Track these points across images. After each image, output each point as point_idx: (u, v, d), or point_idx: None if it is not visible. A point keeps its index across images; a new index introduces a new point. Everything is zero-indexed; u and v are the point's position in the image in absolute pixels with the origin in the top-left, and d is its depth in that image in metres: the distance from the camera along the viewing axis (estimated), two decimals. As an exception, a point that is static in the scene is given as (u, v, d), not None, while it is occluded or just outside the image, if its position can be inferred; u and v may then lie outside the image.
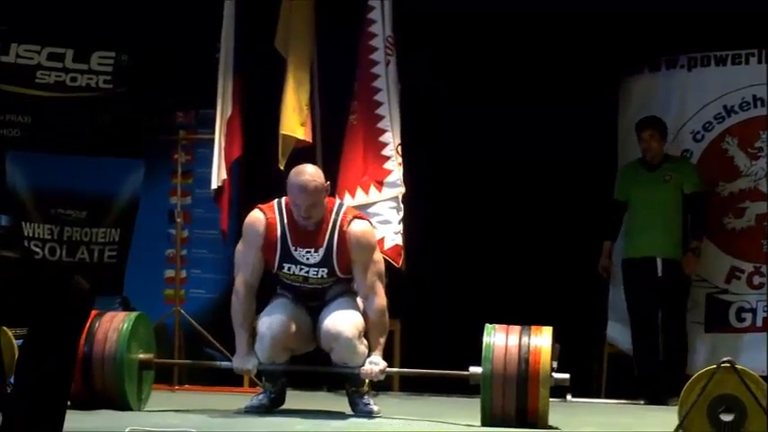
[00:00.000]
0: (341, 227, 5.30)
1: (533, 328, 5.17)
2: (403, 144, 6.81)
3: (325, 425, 5.19)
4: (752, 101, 7.23)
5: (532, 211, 7.50)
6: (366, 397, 5.46)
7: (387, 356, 6.32)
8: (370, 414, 5.38)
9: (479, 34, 7.45)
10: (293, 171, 5.35)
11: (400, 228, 6.75)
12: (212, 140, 6.90)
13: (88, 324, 5.28)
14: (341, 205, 5.45)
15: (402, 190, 6.75)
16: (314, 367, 5.66)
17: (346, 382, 5.51)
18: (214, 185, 6.86)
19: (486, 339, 5.12)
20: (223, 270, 7.54)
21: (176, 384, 6.83)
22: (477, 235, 7.50)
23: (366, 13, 6.87)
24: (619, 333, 7.20)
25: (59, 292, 3.34)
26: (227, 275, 7.54)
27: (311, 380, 6.78)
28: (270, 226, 5.32)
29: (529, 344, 5.09)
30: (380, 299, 5.38)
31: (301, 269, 5.34)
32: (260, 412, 5.40)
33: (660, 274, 6.93)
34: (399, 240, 6.71)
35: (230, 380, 6.98)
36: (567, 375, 5.18)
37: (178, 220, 7.19)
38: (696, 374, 4.26)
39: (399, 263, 6.67)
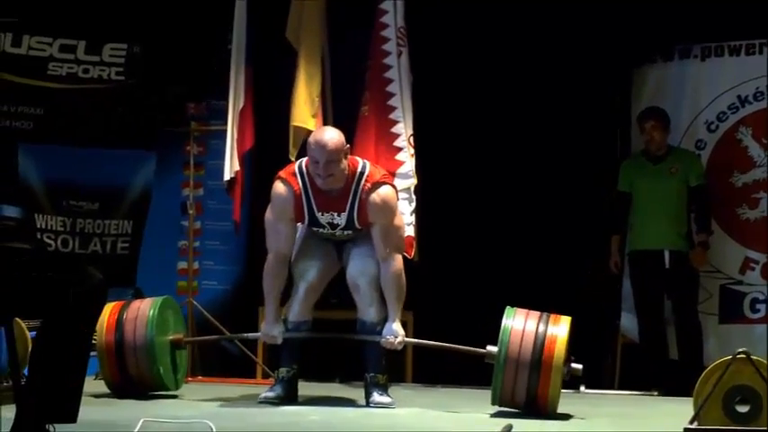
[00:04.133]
0: (362, 193, 5.38)
1: (553, 316, 5.22)
2: (415, 135, 6.80)
3: (339, 415, 5.20)
4: (766, 91, 7.19)
5: (546, 202, 7.47)
6: (381, 388, 5.47)
7: (400, 350, 6.35)
8: (384, 405, 5.39)
9: (491, 24, 7.42)
10: (314, 131, 5.55)
11: (413, 219, 6.73)
12: (224, 132, 6.89)
13: (116, 314, 5.42)
14: (364, 168, 5.46)
15: (414, 181, 6.73)
16: (338, 334, 5.73)
17: (364, 369, 5.54)
18: (226, 177, 6.85)
19: (504, 321, 5.19)
20: (236, 261, 7.56)
21: (189, 375, 6.82)
22: (491, 227, 7.48)
23: (378, 4, 6.85)
24: (632, 324, 7.18)
25: (73, 283, 3.34)
26: (239, 267, 7.56)
27: (324, 371, 6.79)
28: (296, 197, 5.41)
29: (546, 332, 5.13)
30: (398, 263, 5.46)
31: (328, 230, 5.49)
32: (274, 404, 5.41)
33: (668, 266, 6.92)
34: (412, 232, 6.70)
35: (243, 371, 6.99)
36: (580, 366, 5.20)
37: (190, 211, 7.20)
38: (711, 366, 4.24)
39: (412, 254, 6.65)
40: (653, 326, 6.96)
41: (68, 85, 7.28)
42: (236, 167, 6.84)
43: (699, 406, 4.10)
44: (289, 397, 5.51)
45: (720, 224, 7.15)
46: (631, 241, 7.10)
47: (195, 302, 6.93)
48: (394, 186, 5.60)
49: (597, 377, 7.11)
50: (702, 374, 4.21)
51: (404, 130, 6.75)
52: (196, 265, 7.41)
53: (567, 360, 5.17)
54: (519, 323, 5.19)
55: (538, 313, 5.26)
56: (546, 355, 5.08)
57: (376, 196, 5.38)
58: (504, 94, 7.49)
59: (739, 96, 7.28)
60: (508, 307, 5.27)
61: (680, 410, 4.58)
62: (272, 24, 7.06)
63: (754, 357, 4.18)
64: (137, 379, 5.58)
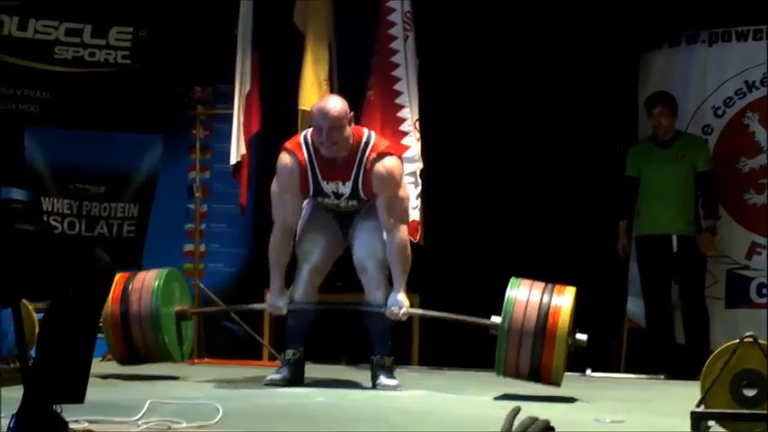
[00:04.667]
0: (366, 163, 5.37)
1: (557, 286, 5.24)
2: (421, 119, 6.79)
3: (345, 397, 5.20)
4: (773, 76, 7.20)
5: (551, 187, 7.47)
6: (387, 370, 5.48)
7: (406, 331, 6.35)
8: (390, 387, 5.40)
9: (498, 8, 7.41)
10: (318, 100, 5.56)
11: (418, 203, 6.75)
12: (230, 116, 6.91)
13: (122, 285, 5.44)
14: (369, 139, 5.45)
15: (420, 165, 6.74)
16: (343, 306, 5.78)
17: (371, 352, 5.54)
18: (233, 161, 6.87)
19: (508, 292, 5.20)
20: (242, 244, 7.56)
21: (196, 358, 6.84)
22: (497, 212, 7.48)
23: (384, -12, 6.85)
24: (638, 308, 7.18)
25: (81, 265, 3.34)
26: (245, 249, 7.57)
27: (330, 353, 6.80)
28: (301, 167, 5.41)
29: (550, 302, 5.15)
30: (403, 234, 5.46)
31: (333, 200, 5.49)
32: (280, 386, 5.42)
33: (675, 250, 6.92)
34: (417, 216, 6.71)
35: (250, 354, 7.00)
36: (584, 336, 5.20)
37: (197, 194, 7.21)
38: (718, 349, 4.23)
39: (417, 238, 6.67)
40: (660, 310, 6.96)
41: (75, 68, 7.28)
42: (243, 151, 6.85)
43: (706, 389, 4.09)
44: (295, 379, 5.51)
45: (727, 209, 7.15)
46: (639, 226, 7.09)
47: (201, 285, 6.93)
48: (399, 157, 5.60)
49: (603, 361, 7.12)
50: (709, 358, 4.19)
51: (410, 115, 6.75)
52: (202, 248, 7.44)
53: (572, 330, 5.17)
54: (523, 294, 5.20)
55: (542, 284, 5.26)
56: (550, 325, 5.09)
57: (381, 167, 5.37)
58: (511, 79, 7.48)
59: (746, 82, 7.27)
60: (513, 278, 5.28)
61: (686, 394, 4.57)
62: (278, 8, 7.06)
63: (762, 341, 4.17)
64: (142, 350, 5.58)
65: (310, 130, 5.46)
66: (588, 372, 6.86)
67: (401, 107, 6.76)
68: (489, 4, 7.43)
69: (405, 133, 6.71)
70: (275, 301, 5.55)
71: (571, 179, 7.43)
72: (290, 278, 5.62)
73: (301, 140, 5.46)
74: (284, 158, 5.45)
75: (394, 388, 5.41)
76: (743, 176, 7.19)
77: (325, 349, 6.59)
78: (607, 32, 7.36)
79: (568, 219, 7.38)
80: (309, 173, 5.42)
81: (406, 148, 6.68)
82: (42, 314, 3.56)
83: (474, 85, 7.53)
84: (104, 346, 6.31)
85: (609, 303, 7.25)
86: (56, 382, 3.32)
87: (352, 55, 7.11)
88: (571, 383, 5.26)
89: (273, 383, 5.45)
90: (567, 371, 6.27)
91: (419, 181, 6.74)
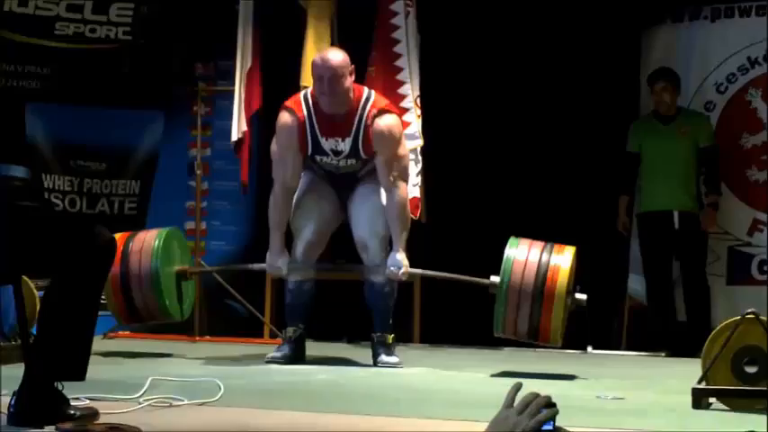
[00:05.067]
0: (366, 119, 5.35)
1: (557, 246, 5.21)
2: (422, 96, 6.78)
3: (346, 374, 5.21)
4: (776, 53, 7.17)
5: (553, 165, 7.45)
6: (388, 348, 5.47)
7: (406, 309, 6.34)
8: (391, 365, 5.40)
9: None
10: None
11: (419, 180, 6.73)
12: (232, 92, 6.88)
13: (122, 245, 5.43)
14: (369, 96, 5.44)
15: (420, 142, 6.73)
16: (343, 270, 5.79)
17: (371, 329, 5.54)
18: (234, 138, 6.85)
19: (507, 251, 5.17)
20: (243, 222, 7.55)
21: (197, 335, 6.85)
22: (498, 189, 7.47)
23: (386, -36, 6.82)
24: (640, 285, 7.18)
25: (84, 241, 3.34)
26: (247, 227, 7.56)
27: (331, 331, 6.80)
28: (300, 124, 5.38)
29: (549, 261, 5.11)
30: (402, 193, 5.44)
31: (332, 159, 5.43)
32: (281, 363, 5.42)
33: (677, 227, 6.91)
34: (417, 193, 6.70)
35: (250, 331, 7.01)
36: (584, 296, 5.18)
37: (198, 172, 7.20)
38: (720, 326, 4.23)
39: (417, 215, 6.66)
40: (661, 287, 6.96)
41: (75, 44, 7.26)
42: (244, 128, 6.83)
43: (707, 366, 4.10)
44: (296, 357, 5.51)
45: (729, 186, 7.13)
46: (640, 202, 7.08)
47: (203, 262, 6.93)
48: (399, 115, 5.59)
49: (605, 338, 7.12)
50: (711, 335, 4.20)
51: (410, 91, 6.74)
52: (203, 226, 7.42)
53: (572, 290, 5.15)
54: (522, 252, 5.17)
55: (542, 243, 5.23)
56: (548, 284, 5.05)
57: (381, 123, 5.34)
58: (512, 55, 7.46)
59: (749, 58, 7.25)
60: (512, 237, 5.26)
61: (688, 371, 4.58)
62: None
63: (763, 318, 4.17)
64: (142, 310, 5.57)
65: (310, 88, 5.44)
66: (589, 349, 6.86)
67: (402, 83, 6.74)
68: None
69: (405, 110, 6.68)
70: (274, 261, 5.52)
71: (572, 156, 7.41)
72: (289, 241, 5.60)
73: (301, 98, 5.45)
74: (283, 116, 5.43)
75: (395, 365, 5.41)
76: (745, 153, 7.18)
77: (326, 327, 6.59)
78: (609, 8, 7.34)
79: (569, 195, 7.36)
80: (308, 129, 5.38)
81: (407, 124, 6.65)
82: (43, 292, 3.56)
83: (475, 61, 7.51)
84: (106, 324, 6.34)
85: (610, 281, 7.24)
86: (57, 359, 3.32)
87: (353, 31, 7.08)
88: (572, 360, 5.27)
89: (274, 361, 5.45)
90: (569, 348, 6.31)
91: (420, 158, 6.73)
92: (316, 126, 5.38)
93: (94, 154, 7.30)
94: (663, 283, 6.96)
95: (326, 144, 5.41)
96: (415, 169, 6.65)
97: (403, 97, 6.71)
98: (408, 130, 6.61)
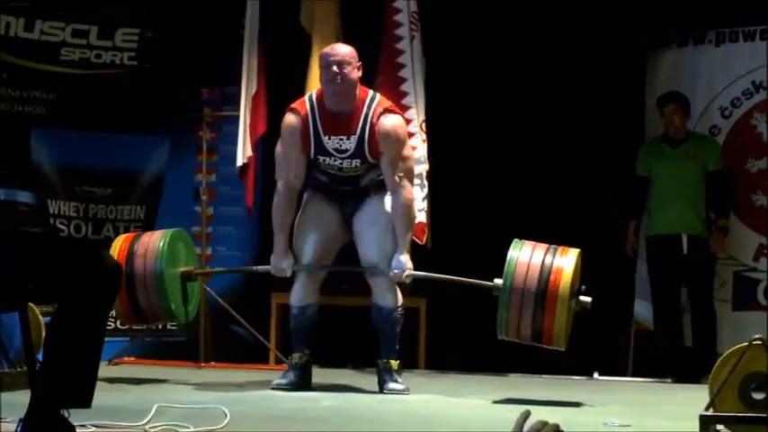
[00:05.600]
0: (372, 118, 5.34)
1: (561, 248, 5.17)
2: (427, 120, 6.78)
3: (352, 401, 5.20)
4: (781, 76, 7.18)
5: (558, 189, 7.45)
6: (394, 374, 5.46)
7: (412, 335, 6.32)
8: (397, 391, 5.38)
9: (505, 7, 7.39)
10: None
11: (425, 205, 6.73)
12: (237, 117, 6.89)
13: (127, 246, 5.41)
14: (374, 96, 5.45)
15: (426, 167, 6.73)
16: (347, 267, 5.70)
17: (377, 355, 5.51)
18: (239, 162, 6.85)
19: (510, 253, 5.14)
20: (248, 247, 7.54)
21: (203, 361, 6.83)
22: (504, 214, 7.46)
23: (391, -12, 6.84)
24: (646, 310, 7.16)
25: (89, 268, 3.33)
26: (252, 252, 7.55)
27: (336, 358, 6.79)
28: (303, 122, 5.38)
29: (552, 263, 5.06)
30: (407, 194, 5.42)
31: (335, 160, 5.40)
32: (287, 390, 5.41)
33: (686, 251, 6.90)
34: (423, 218, 6.70)
35: (256, 357, 6.99)
36: (588, 299, 5.13)
37: (203, 197, 7.20)
38: (727, 352, 4.21)
39: (423, 240, 6.66)
40: (669, 312, 6.93)
41: (81, 70, 7.27)
42: (249, 153, 6.83)
43: (714, 393, 4.08)
44: (302, 383, 5.49)
45: (734, 211, 7.12)
46: (649, 226, 7.07)
47: (208, 288, 6.92)
48: (403, 116, 5.59)
49: (611, 363, 7.10)
50: (718, 361, 4.18)
51: (416, 116, 6.75)
52: (209, 251, 7.41)
53: (576, 292, 5.10)
54: (525, 255, 5.13)
55: (545, 245, 5.19)
56: (551, 286, 5.00)
57: (387, 122, 5.34)
58: (518, 79, 7.47)
59: (753, 82, 7.26)
60: (516, 239, 5.23)
61: (695, 397, 4.57)
62: (285, 9, 7.05)
63: (770, 344, 4.15)
64: (147, 311, 5.54)
65: (316, 90, 5.46)
66: (596, 375, 6.84)
67: (407, 108, 6.74)
68: (496, 3, 7.42)
69: (411, 134, 6.69)
70: (279, 263, 5.50)
71: (577, 179, 7.41)
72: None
73: (306, 98, 5.48)
74: (287, 117, 5.45)
75: (401, 392, 5.39)
76: (750, 177, 7.17)
77: (331, 353, 6.57)
78: (615, 31, 7.35)
79: (574, 219, 7.35)
80: (311, 127, 5.36)
81: (413, 149, 6.67)
82: (49, 318, 3.56)
83: (480, 84, 7.51)
84: (111, 350, 6.33)
85: (615, 305, 7.22)
86: (63, 386, 3.31)
87: (358, 55, 7.08)
88: (578, 387, 5.25)
89: (280, 387, 5.44)
90: (574, 374, 6.29)
91: (425, 183, 6.72)
92: (319, 124, 5.37)
93: (100, 179, 7.30)
94: (670, 308, 6.94)
95: (329, 143, 5.38)
96: (420, 194, 6.64)
97: (408, 122, 6.70)
98: (414, 155, 6.62)
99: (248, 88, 6.90)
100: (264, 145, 7.00)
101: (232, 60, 7.05)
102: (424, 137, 6.75)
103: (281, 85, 7.12)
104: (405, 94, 6.76)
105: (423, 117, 6.79)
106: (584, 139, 7.41)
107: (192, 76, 7.51)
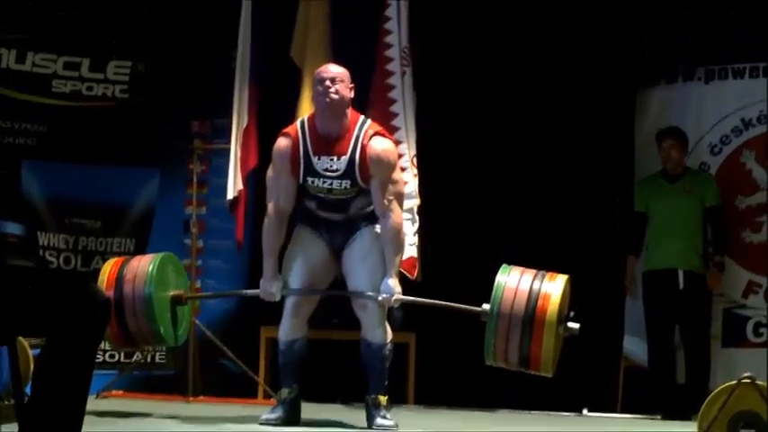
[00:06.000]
0: (363, 140, 5.35)
1: (549, 273, 5.15)
2: (418, 155, 6.79)
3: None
4: (769, 114, 7.20)
5: (547, 224, 7.46)
6: (382, 410, 5.43)
7: (401, 369, 6.29)
8: (385, 428, 5.36)
9: (495, 44, 7.43)
10: None
11: (415, 240, 6.72)
12: (228, 150, 6.89)
13: (117, 270, 5.39)
14: (365, 120, 5.47)
15: (417, 202, 6.72)
16: (336, 291, 5.65)
17: (366, 391, 5.48)
18: (230, 196, 6.84)
19: (498, 278, 5.12)
20: (238, 280, 7.51)
21: (191, 395, 6.80)
22: (495, 249, 7.45)
23: (382, 24, 6.86)
24: (635, 346, 7.15)
25: (78, 301, 3.32)
26: (241, 286, 7.52)
27: (325, 392, 6.76)
28: (293, 144, 5.38)
29: (540, 288, 5.04)
30: (397, 218, 5.41)
31: (324, 182, 5.38)
32: (275, 425, 5.38)
33: (681, 286, 6.88)
34: (414, 252, 6.68)
35: (245, 391, 6.96)
36: (576, 325, 5.12)
37: (193, 230, 7.17)
38: (716, 390, 4.22)
39: (414, 275, 6.64)
40: (663, 348, 6.91)
41: (72, 102, 7.28)
42: (240, 186, 6.83)
43: (703, 430, 4.08)
44: (290, 419, 5.46)
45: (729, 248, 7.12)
46: (646, 261, 7.06)
47: (197, 321, 6.90)
48: (393, 141, 5.61)
49: (600, 400, 7.09)
50: (707, 399, 4.18)
51: (407, 151, 6.74)
52: (198, 284, 7.39)
53: (565, 318, 5.08)
54: (513, 280, 5.11)
55: (534, 271, 5.17)
56: (539, 311, 4.98)
57: (377, 145, 5.35)
58: (508, 115, 7.49)
59: (743, 119, 7.28)
60: (504, 264, 5.22)
61: (684, 435, 4.56)
62: (276, 42, 7.07)
63: (760, 382, 4.16)
64: (136, 335, 5.49)
65: (308, 114, 5.49)
66: (585, 411, 6.83)
67: (398, 142, 6.74)
68: (487, 39, 7.45)
69: (402, 169, 6.69)
70: (268, 287, 5.48)
71: (567, 216, 7.41)
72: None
73: (297, 122, 5.50)
74: (278, 141, 5.46)
75: (390, 428, 5.36)
76: (740, 215, 7.19)
77: (320, 388, 6.54)
78: (604, 68, 7.38)
79: (563, 256, 7.34)
80: (301, 148, 5.36)
81: (404, 183, 6.67)
82: (38, 350, 3.54)
83: (471, 118, 7.53)
84: (100, 383, 6.31)
85: (605, 341, 7.21)
86: (51, 419, 3.29)
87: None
88: (568, 423, 5.24)
89: (269, 423, 5.40)
90: (564, 410, 6.28)
91: (416, 218, 6.72)
92: (309, 144, 5.37)
93: (90, 211, 7.29)
94: (665, 344, 6.92)
95: (319, 163, 5.37)
96: (411, 229, 6.63)
97: (400, 156, 6.72)
98: (405, 190, 6.62)
99: (239, 121, 6.90)
100: (255, 178, 6.99)
101: (223, 93, 7.06)
102: (415, 171, 6.75)
103: (272, 119, 7.12)
104: (396, 129, 6.76)
105: (413, 152, 6.79)
106: (573, 176, 7.42)
107: (182, 109, 7.52)
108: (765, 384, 4.20)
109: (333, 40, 7.05)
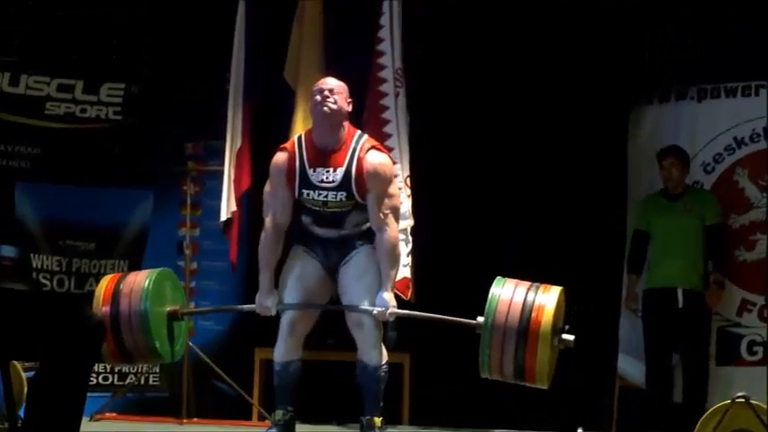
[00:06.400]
0: (359, 153, 5.34)
1: (543, 285, 5.14)
2: (412, 176, 6.80)
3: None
4: (762, 133, 7.19)
5: (541, 243, 7.46)
6: (377, 430, 5.42)
7: (396, 389, 6.28)
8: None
9: (488, 64, 7.45)
10: None
11: (409, 260, 6.72)
12: (221, 172, 6.90)
13: (113, 286, 5.37)
14: (362, 134, 5.47)
15: (411, 222, 6.73)
16: (332, 306, 5.62)
17: (360, 412, 5.47)
18: (223, 217, 6.85)
19: (492, 290, 5.11)
20: (232, 302, 7.50)
21: (185, 417, 6.78)
22: (488, 271, 7.44)
23: (375, 45, 6.88)
24: (630, 366, 7.14)
25: (71, 324, 3.33)
26: (235, 307, 7.54)
27: (320, 414, 6.75)
28: (290, 158, 5.38)
29: (534, 300, 5.03)
30: (392, 232, 5.40)
31: (320, 194, 5.36)
32: (270, 447, 5.37)
33: (681, 305, 6.87)
34: (408, 273, 6.68)
35: (239, 413, 6.95)
36: (571, 337, 5.11)
37: (187, 251, 7.17)
38: (711, 409, 4.24)
39: (408, 295, 6.64)
40: (662, 367, 6.90)
41: (66, 124, 7.29)
42: (233, 208, 6.84)
43: (698, 450, 4.08)
44: (285, 441, 5.46)
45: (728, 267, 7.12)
46: (646, 280, 7.06)
47: (191, 343, 6.88)
48: (390, 156, 5.62)
49: (595, 420, 7.07)
50: (702, 418, 4.19)
51: (401, 171, 6.75)
52: (193, 306, 7.35)
53: (559, 330, 5.07)
54: (507, 292, 5.10)
55: (528, 283, 5.17)
56: (533, 323, 4.96)
57: (374, 158, 5.34)
58: (502, 134, 7.50)
59: (735, 138, 7.29)
60: (498, 277, 5.22)
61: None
62: (270, 63, 7.08)
63: (754, 401, 4.16)
64: (133, 351, 5.46)
65: (306, 130, 5.50)
66: (580, 431, 6.80)
67: (393, 163, 6.74)
68: (481, 60, 7.47)
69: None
70: (264, 302, 5.46)
71: (560, 236, 7.42)
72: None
73: (294, 137, 5.51)
74: (276, 156, 5.46)
75: (384, 448, 5.36)
76: (733, 233, 7.18)
77: (315, 409, 6.53)
78: (597, 87, 7.39)
79: (556, 276, 7.35)
80: (297, 161, 5.35)
81: (400, 197, 6.68)
82: (31, 373, 3.54)
83: (464, 139, 7.55)
84: (94, 405, 6.29)
85: (599, 361, 7.20)
86: (44, 443, 3.29)
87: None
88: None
89: (264, 445, 5.40)
90: (558, 430, 6.26)
91: (410, 238, 6.72)
92: (305, 157, 5.36)
93: (83, 233, 7.29)
94: (664, 364, 6.91)
95: (314, 175, 5.36)
96: (405, 249, 6.63)
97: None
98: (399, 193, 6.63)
99: (233, 143, 6.91)
100: (249, 200, 7.01)
101: (217, 115, 7.07)
102: (409, 192, 6.76)
103: (266, 140, 7.13)
104: (390, 150, 6.77)
105: (407, 172, 6.80)
106: (567, 196, 7.43)
107: (176, 131, 7.53)
108: (759, 404, 4.21)
109: (326, 60, 7.06)
